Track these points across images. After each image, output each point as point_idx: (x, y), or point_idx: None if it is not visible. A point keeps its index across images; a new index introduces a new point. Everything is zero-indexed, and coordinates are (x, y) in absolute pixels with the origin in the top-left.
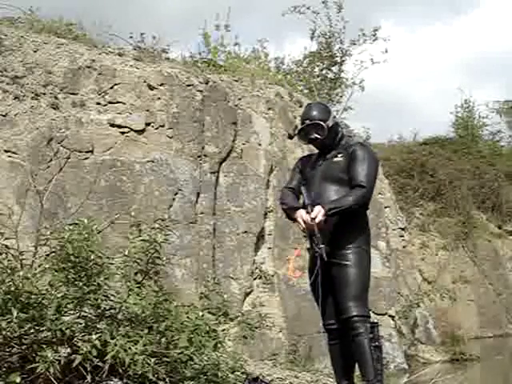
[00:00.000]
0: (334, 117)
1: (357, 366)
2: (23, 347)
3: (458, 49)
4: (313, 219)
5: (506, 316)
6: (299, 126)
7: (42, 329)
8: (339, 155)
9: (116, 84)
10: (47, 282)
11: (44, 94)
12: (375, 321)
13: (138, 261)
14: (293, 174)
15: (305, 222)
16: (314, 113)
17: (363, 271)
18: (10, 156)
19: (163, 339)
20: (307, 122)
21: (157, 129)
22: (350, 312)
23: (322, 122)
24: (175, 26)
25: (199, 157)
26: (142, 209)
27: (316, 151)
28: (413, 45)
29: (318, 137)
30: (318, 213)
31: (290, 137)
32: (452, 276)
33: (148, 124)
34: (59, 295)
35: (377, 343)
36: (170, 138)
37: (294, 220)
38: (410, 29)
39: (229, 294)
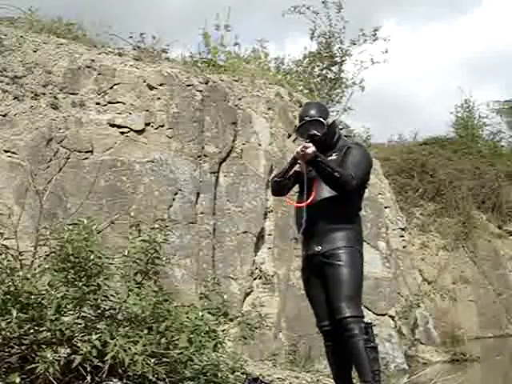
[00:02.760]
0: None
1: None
2: (23, 347)
3: (458, 48)
4: (304, 148)
5: (506, 316)
6: (298, 124)
7: (41, 329)
8: (334, 154)
9: (116, 84)
10: (47, 282)
11: (44, 94)
12: (369, 321)
13: (138, 261)
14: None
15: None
16: (314, 110)
17: (356, 271)
18: (9, 156)
19: (163, 339)
20: (307, 118)
21: (156, 129)
22: (343, 313)
23: (321, 119)
24: (175, 25)
25: (199, 157)
26: (141, 209)
27: None
28: (414, 44)
29: (317, 133)
30: (311, 147)
31: (290, 136)
32: (452, 276)
33: (148, 124)
34: (59, 295)
35: (372, 344)
36: (170, 138)
37: (292, 166)
38: (412, 28)
39: (229, 294)
